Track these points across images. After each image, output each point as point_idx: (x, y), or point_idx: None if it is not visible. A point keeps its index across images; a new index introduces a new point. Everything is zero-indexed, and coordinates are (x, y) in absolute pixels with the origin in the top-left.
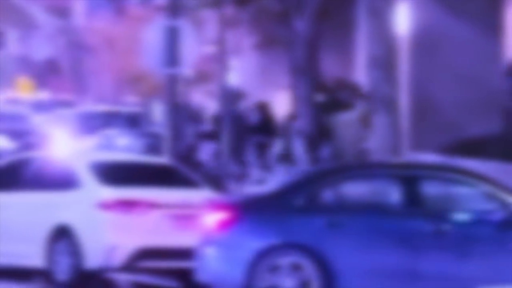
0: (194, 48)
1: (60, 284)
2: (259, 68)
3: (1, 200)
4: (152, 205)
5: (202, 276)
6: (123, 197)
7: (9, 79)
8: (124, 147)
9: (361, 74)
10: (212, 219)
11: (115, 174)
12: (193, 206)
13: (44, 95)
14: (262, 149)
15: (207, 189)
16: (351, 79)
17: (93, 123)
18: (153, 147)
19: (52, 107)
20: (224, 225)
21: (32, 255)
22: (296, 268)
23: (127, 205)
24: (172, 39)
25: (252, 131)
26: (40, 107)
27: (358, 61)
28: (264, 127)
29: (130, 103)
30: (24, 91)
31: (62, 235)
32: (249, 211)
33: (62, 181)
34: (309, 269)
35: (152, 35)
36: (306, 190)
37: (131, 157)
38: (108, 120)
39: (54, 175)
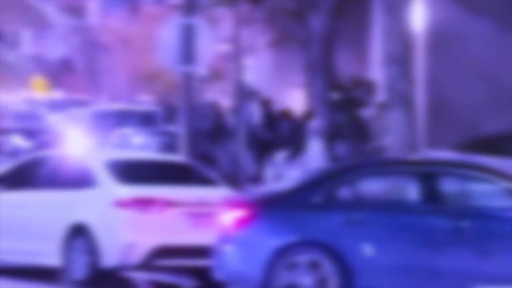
0: (209, 46)
1: (76, 282)
2: (274, 66)
3: (18, 199)
4: (169, 203)
5: (220, 274)
6: (140, 195)
7: (23, 78)
8: (140, 146)
9: (376, 71)
10: (230, 217)
11: (132, 172)
12: (210, 204)
13: (58, 94)
14: (267, 147)
15: (224, 187)
16: (366, 77)
17: (108, 122)
18: (169, 146)
19: (66, 106)
20: (242, 223)
21: (48, 253)
22: (314, 266)
23: (144, 203)
24: (188, 37)
25: (256, 128)
26: (55, 106)
27: (374, 58)
28: (268, 123)
29: (144, 102)
30: (39, 90)
31: (78, 234)
32: (267, 209)
33: (79, 180)
34: (327, 267)
35: (168, 33)
36: (324, 187)
37: (148, 155)
38: (122, 118)
39: (71, 173)
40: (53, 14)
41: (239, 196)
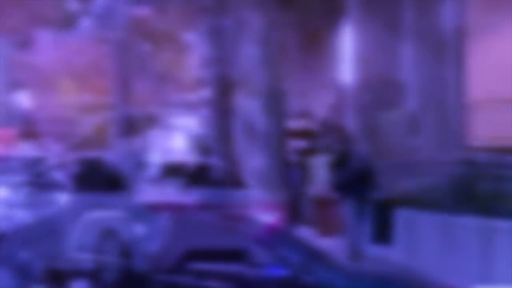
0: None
1: (106, 285)
2: (304, 69)
3: None
4: (201, 206)
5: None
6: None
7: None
8: None
9: (406, 72)
10: (265, 218)
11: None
12: (244, 206)
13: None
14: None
15: (256, 190)
16: (395, 77)
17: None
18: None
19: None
20: (278, 225)
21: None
22: None
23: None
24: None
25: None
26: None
27: (404, 59)
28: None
29: None
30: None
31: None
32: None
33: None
34: None
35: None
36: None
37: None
38: None
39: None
40: None
41: (275, 198)
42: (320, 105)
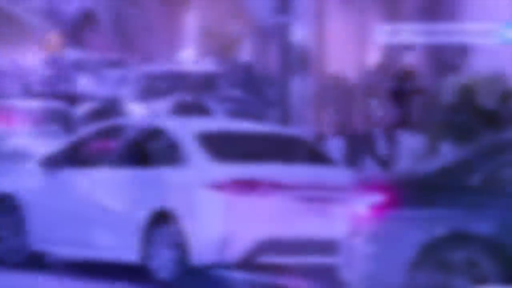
0: None
1: (160, 282)
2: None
3: (83, 179)
4: (277, 186)
5: (349, 274)
6: (241, 176)
7: (33, 35)
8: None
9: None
10: (364, 204)
11: (230, 147)
12: (330, 187)
13: (78, 53)
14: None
15: (344, 167)
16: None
17: (160, 86)
18: (238, 114)
19: (96, 67)
20: (380, 211)
21: (122, 246)
22: (470, 265)
23: (246, 185)
24: None
25: None
26: (82, 67)
27: (465, 19)
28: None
29: (187, 61)
30: (54, 49)
31: (163, 222)
32: (410, 194)
33: (162, 156)
34: (486, 265)
35: None
36: (482, 168)
37: (248, 126)
38: (177, 82)
39: (151, 148)
40: None
41: (376, 178)
42: None
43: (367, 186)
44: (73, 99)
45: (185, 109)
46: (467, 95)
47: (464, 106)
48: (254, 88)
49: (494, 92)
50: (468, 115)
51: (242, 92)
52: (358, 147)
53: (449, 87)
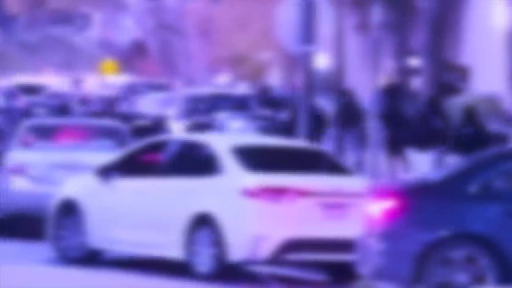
0: (329, 25)
1: (200, 276)
2: (361, 51)
3: (136, 186)
4: (301, 193)
5: (364, 269)
6: (270, 184)
7: (90, 62)
8: (237, 130)
9: (470, 57)
10: (377, 208)
11: (260, 158)
12: (347, 194)
13: (129, 77)
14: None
15: (360, 177)
16: (459, 62)
17: (200, 106)
18: (267, 130)
19: (144, 90)
20: (390, 215)
21: (169, 245)
22: (470, 261)
23: (275, 192)
24: (308, 15)
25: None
26: (132, 89)
27: (468, 42)
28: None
29: (223, 85)
30: (109, 73)
31: (203, 224)
32: (418, 199)
33: (203, 166)
34: (484, 262)
35: (286, 11)
36: (479, 176)
37: (275, 141)
38: (215, 102)
39: (193, 159)
40: None
41: (387, 185)
42: None
43: (380, 193)
44: (125, 117)
45: (198, 128)
46: (470, 114)
47: (468, 123)
48: (272, 108)
49: (493, 111)
50: (472, 131)
51: (271, 111)
52: None
53: (456, 107)
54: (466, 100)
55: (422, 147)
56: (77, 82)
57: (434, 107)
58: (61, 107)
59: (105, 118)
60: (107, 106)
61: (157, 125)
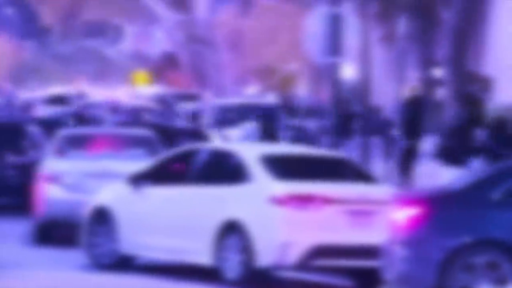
0: (355, 37)
1: (229, 282)
2: (386, 62)
3: (167, 194)
4: (328, 200)
5: (389, 274)
6: (297, 192)
7: (123, 74)
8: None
9: (493, 67)
10: (401, 215)
11: (287, 167)
12: (372, 202)
13: (160, 89)
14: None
15: (385, 185)
16: (482, 73)
17: (230, 116)
18: (296, 140)
19: (175, 100)
20: (414, 222)
21: (199, 251)
22: (492, 267)
23: (302, 200)
24: (335, 27)
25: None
26: (162, 101)
27: (491, 53)
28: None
29: (263, 96)
30: (140, 85)
31: (231, 231)
32: (441, 207)
33: (231, 175)
34: (507, 268)
35: (314, 23)
36: (502, 184)
37: (301, 150)
38: (244, 113)
39: (222, 168)
40: (160, 8)
41: (411, 193)
42: None
43: (404, 200)
44: (156, 126)
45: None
46: (499, 123)
47: (496, 133)
48: (294, 116)
49: None
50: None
51: (300, 121)
52: None
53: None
54: (493, 110)
55: (457, 162)
56: (80, 96)
57: (474, 120)
58: (79, 116)
59: (135, 127)
60: (135, 116)
61: (196, 135)
